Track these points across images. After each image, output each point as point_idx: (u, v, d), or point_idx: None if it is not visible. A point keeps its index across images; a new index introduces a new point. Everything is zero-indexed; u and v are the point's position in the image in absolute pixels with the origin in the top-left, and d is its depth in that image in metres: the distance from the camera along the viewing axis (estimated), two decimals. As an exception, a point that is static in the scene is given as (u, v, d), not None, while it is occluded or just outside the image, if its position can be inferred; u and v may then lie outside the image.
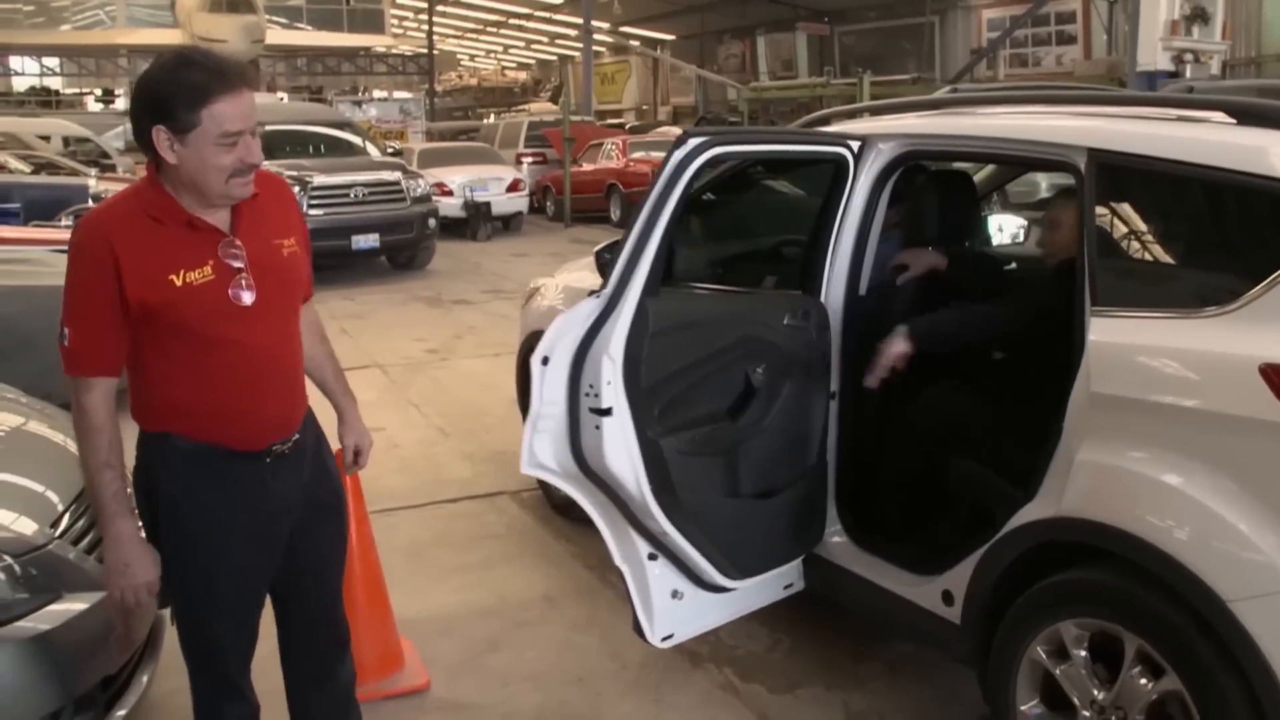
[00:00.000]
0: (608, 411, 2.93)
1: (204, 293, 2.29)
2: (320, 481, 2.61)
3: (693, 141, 2.99)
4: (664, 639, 3.27)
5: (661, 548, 3.17)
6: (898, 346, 3.26)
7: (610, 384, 2.91)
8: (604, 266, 4.30)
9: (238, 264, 2.34)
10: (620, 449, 2.96)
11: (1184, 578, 2.43)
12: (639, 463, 2.99)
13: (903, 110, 3.76)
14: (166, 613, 3.28)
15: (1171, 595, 2.48)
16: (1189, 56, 14.37)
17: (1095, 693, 2.68)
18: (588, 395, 2.94)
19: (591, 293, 3.00)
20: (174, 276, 2.26)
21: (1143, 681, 2.58)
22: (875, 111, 3.90)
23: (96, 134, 26.41)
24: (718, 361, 3.24)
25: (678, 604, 3.27)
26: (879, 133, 3.54)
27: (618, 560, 3.21)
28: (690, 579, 3.26)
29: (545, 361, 2.94)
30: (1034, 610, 2.82)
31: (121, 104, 43.28)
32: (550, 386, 2.95)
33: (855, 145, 3.48)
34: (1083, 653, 2.72)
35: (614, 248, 4.31)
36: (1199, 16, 14.65)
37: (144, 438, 2.44)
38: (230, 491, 2.43)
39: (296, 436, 2.52)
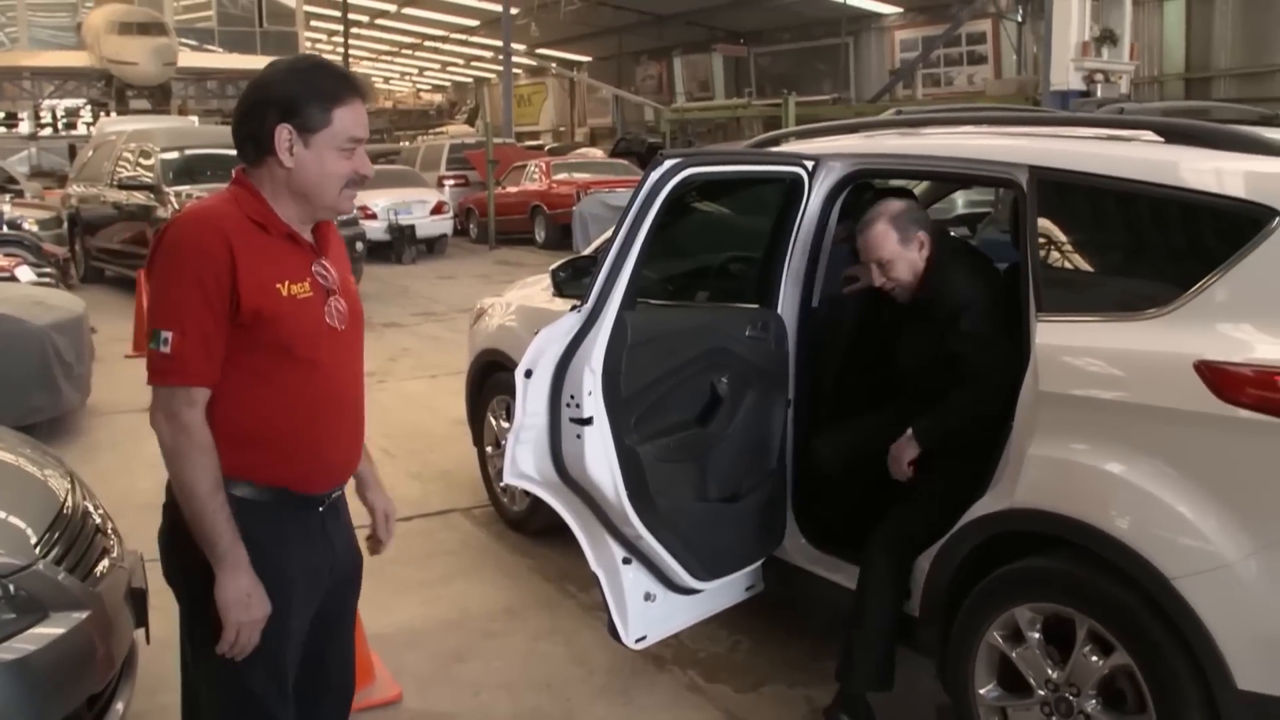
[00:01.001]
0: (588, 421, 3.05)
1: (305, 308, 2.20)
2: (349, 539, 2.47)
3: (669, 162, 3.13)
4: (638, 640, 3.40)
5: (636, 552, 3.30)
6: (909, 453, 3.40)
7: (591, 394, 3.04)
8: (560, 284, 4.42)
9: (331, 285, 2.27)
10: (600, 456, 3.09)
11: (1131, 559, 2.63)
12: (616, 469, 3.11)
13: (855, 130, 3.96)
14: (141, 633, 3.33)
15: (1120, 577, 2.68)
16: (1100, 76, 14.97)
17: (1050, 672, 2.87)
18: (569, 405, 3.06)
19: (572, 307, 3.12)
20: (280, 286, 2.16)
21: (1094, 659, 2.77)
22: (829, 132, 4.09)
23: (1, 159, 25.80)
24: (687, 372, 3.38)
25: (650, 606, 3.39)
26: (830, 152, 3.73)
27: (594, 566, 3.32)
28: (662, 582, 3.39)
29: (528, 374, 3.05)
30: (990, 598, 3.00)
31: (25, 127, 42.26)
32: (533, 398, 3.06)
33: (809, 164, 3.65)
34: (1037, 635, 2.90)
35: (568, 265, 4.45)
36: (1108, 38, 15.29)
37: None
38: (290, 542, 2.25)
39: (343, 485, 2.41)
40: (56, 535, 3.07)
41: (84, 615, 2.90)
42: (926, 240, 3.39)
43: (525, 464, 3.15)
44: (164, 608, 4.12)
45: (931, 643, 3.25)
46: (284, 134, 2.14)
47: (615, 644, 3.52)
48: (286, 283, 2.17)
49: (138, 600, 3.27)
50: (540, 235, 19.45)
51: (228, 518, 2.13)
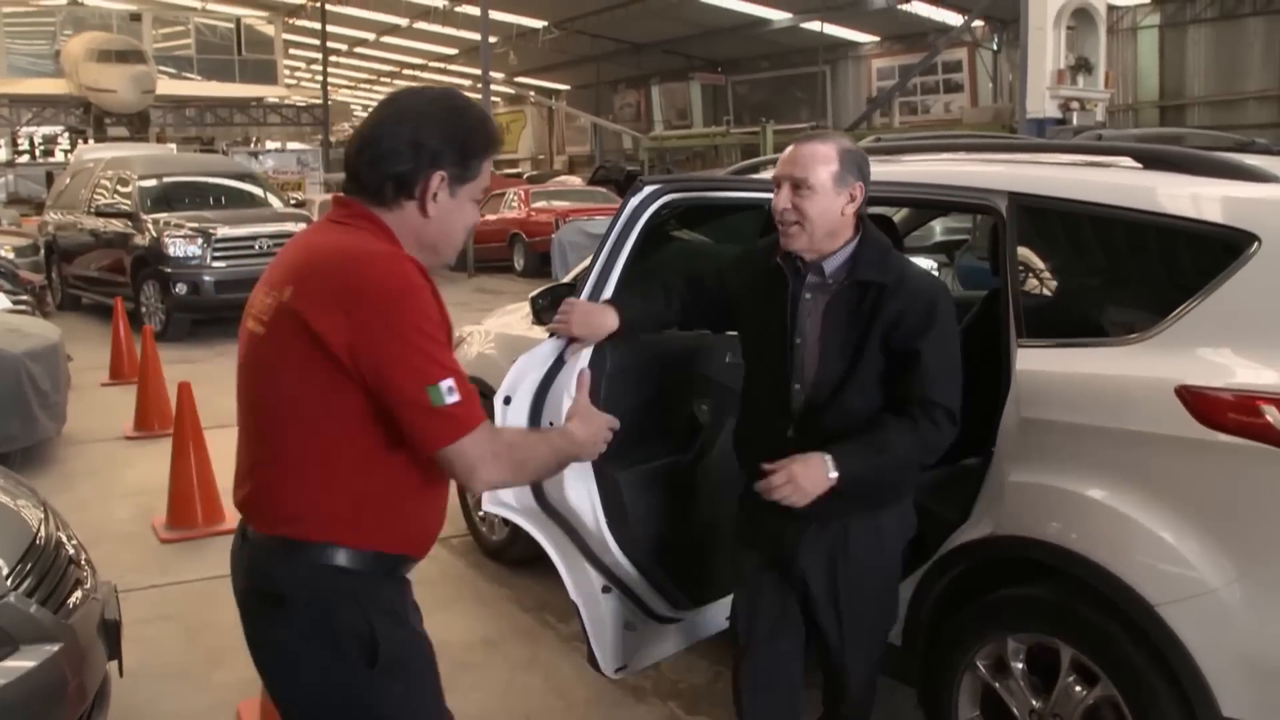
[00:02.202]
0: None
1: None
2: None
3: (648, 188, 3.13)
4: (618, 670, 3.36)
5: (615, 580, 3.27)
6: (819, 486, 2.55)
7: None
8: (539, 312, 4.39)
9: None
10: (579, 484, 3.06)
11: (1114, 586, 2.62)
12: (596, 497, 3.09)
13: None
14: (114, 665, 3.28)
15: (1103, 605, 2.67)
16: (1075, 104, 15.15)
17: (1034, 702, 2.85)
18: None
19: (551, 333, 3.11)
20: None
21: (1078, 689, 2.75)
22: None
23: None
24: (668, 399, 3.37)
25: (630, 635, 3.36)
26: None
27: (573, 594, 3.29)
28: (642, 611, 3.36)
29: (507, 401, 3.03)
30: (973, 627, 2.99)
31: (2, 155, 42.07)
32: (512, 425, 3.04)
33: None
34: (1020, 665, 2.88)
35: (548, 293, 4.42)
36: (1083, 66, 15.49)
37: (342, 568, 1.95)
38: (417, 616, 2.07)
39: None
40: (29, 566, 3.03)
41: (55, 648, 2.87)
42: (859, 195, 2.72)
43: (504, 492, 3.12)
44: (139, 638, 4.10)
45: (914, 673, 3.22)
46: (437, 182, 1.98)
47: (594, 675, 3.48)
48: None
49: (110, 632, 3.23)
50: (519, 263, 19.47)
51: (557, 432, 2.23)
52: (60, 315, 13.47)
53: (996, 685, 2.93)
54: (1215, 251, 2.67)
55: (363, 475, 1.94)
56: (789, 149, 2.76)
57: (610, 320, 3.00)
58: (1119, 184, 2.93)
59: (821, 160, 2.67)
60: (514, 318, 5.26)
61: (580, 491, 3.08)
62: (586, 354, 3.08)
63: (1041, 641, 2.83)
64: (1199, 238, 2.75)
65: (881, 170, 3.72)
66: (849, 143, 2.76)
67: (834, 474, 2.54)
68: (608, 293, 3.10)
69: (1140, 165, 2.99)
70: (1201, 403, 2.52)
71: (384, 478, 1.96)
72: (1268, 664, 2.45)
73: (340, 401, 1.89)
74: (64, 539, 3.32)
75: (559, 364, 3.06)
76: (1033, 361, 2.88)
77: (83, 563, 3.32)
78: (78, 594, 3.13)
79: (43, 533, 3.21)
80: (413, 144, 1.96)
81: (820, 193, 2.66)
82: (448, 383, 1.86)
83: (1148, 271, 3.03)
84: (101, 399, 9.19)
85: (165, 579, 5.04)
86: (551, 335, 3.12)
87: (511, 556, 5.07)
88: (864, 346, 2.64)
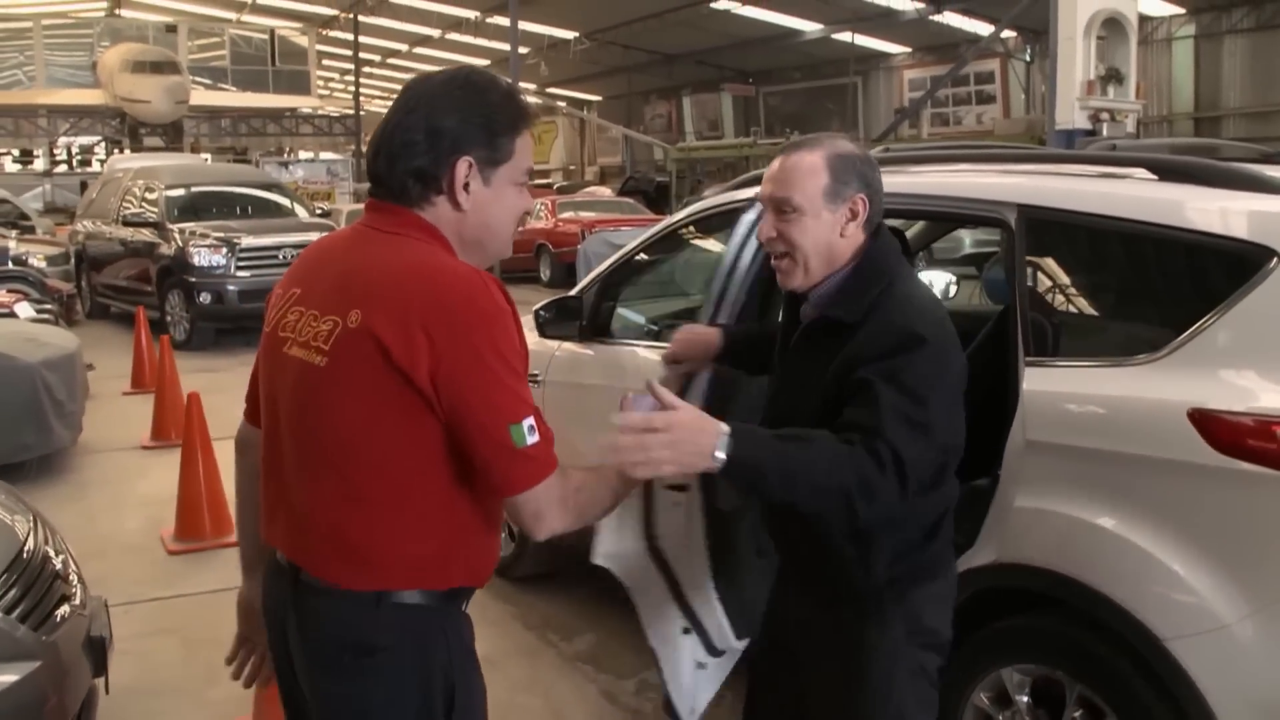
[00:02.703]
0: (684, 487, 2.95)
1: None
2: None
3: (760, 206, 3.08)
4: (690, 712, 3.20)
5: (695, 620, 3.18)
6: (697, 458, 1.84)
7: None
8: (542, 325, 4.32)
9: None
10: (691, 521, 3.02)
11: (1121, 619, 2.50)
12: (701, 532, 3.04)
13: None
14: (100, 682, 3.23)
15: (1110, 639, 2.55)
16: (1105, 115, 15.00)
17: (1039, 737, 2.73)
18: None
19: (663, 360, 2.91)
20: None
21: (1085, 725, 2.63)
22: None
23: (14, 195, 25.98)
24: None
25: (700, 674, 3.22)
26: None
27: (651, 641, 3.17)
28: (706, 648, 3.25)
29: None
30: (976, 658, 2.86)
31: (40, 164, 42.61)
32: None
33: None
34: (1025, 698, 2.76)
35: (552, 306, 4.35)
36: (1114, 77, 15.33)
37: (430, 607, 1.83)
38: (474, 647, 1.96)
39: None
40: (13, 579, 2.98)
41: (34, 665, 2.81)
42: (862, 209, 2.19)
43: (609, 543, 3.11)
44: (136, 653, 4.05)
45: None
46: (464, 169, 1.79)
47: (593, 697, 3.41)
48: None
49: (96, 649, 3.17)
50: (545, 274, 19.45)
51: (611, 470, 1.83)
52: (89, 324, 13.56)
53: (1000, 718, 2.82)
54: (1232, 267, 2.54)
55: (445, 514, 1.81)
56: (774, 162, 2.29)
57: (714, 339, 2.74)
58: (1132, 196, 2.81)
59: (807, 173, 2.16)
60: (528, 334, 5.19)
61: (688, 528, 3.05)
62: (703, 379, 2.96)
63: (1046, 674, 2.71)
64: (1215, 252, 2.63)
65: (890, 181, 3.63)
66: (845, 146, 2.24)
67: (721, 454, 1.83)
68: (725, 313, 3.05)
69: (1155, 177, 2.86)
70: (1215, 427, 2.39)
71: (462, 514, 1.83)
72: (1283, 704, 2.33)
73: (422, 435, 1.74)
74: (51, 552, 3.27)
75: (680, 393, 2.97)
76: (1040, 381, 2.76)
77: (70, 577, 3.26)
78: (64, 609, 3.08)
79: (29, 546, 3.16)
80: (427, 131, 1.78)
81: (809, 214, 2.16)
82: (529, 421, 1.71)
83: (1161, 287, 2.90)
84: (121, 408, 9.20)
85: (169, 591, 4.99)
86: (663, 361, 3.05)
87: (517, 573, 4.98)
88: (819, 395, 2.10)
